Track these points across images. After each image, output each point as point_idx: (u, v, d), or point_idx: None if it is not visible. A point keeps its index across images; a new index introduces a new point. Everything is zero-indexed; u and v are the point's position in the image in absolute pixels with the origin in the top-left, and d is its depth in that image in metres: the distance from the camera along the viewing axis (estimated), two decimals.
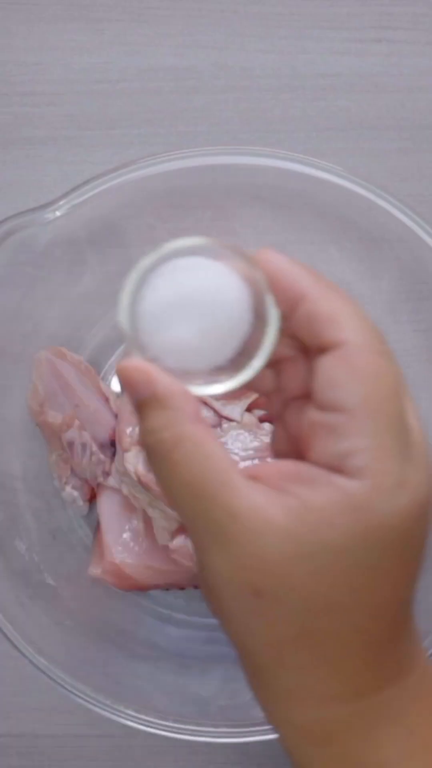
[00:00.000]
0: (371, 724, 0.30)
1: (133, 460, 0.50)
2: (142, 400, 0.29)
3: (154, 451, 0.29)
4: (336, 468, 0.28)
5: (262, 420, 0.52)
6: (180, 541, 0.51)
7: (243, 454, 0.50)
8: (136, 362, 0.29)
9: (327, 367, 0.29)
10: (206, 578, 0.29)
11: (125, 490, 0.52)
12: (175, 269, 0.29)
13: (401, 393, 0.30)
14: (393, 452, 0.28)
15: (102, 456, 0.53)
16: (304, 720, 0.31)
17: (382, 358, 0.30)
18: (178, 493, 0.28)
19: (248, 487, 0.28)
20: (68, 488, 0.54)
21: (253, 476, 0.29)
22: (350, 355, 0.29)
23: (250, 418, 0.51)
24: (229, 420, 0.51)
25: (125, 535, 0.53)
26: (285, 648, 0.29)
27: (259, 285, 0.29)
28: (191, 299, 0.28)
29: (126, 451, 0.51)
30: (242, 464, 0.50)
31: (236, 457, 0.50)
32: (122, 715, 0.48)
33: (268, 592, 0.28)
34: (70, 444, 0.53)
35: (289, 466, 0.29)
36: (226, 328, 0.29)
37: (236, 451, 0.50)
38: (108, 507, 0.54)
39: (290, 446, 0.33)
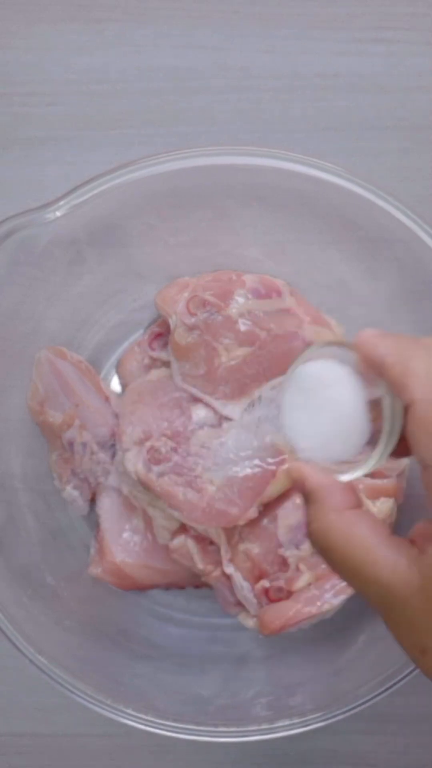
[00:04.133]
0: None
1: (133, 460, 0.50)
2: (302, 496, 0.34)
3: (311, 539, 0.34)
4: None
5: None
6: (180, 541, 0.51)
7: (243, 454, 0.50)
8: (294, 464, 0.35)
9: (407, 428, 0.32)
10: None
11: (125, 490, 0.53)
12: (306, 383, 0.34)
13: None
14: None
15: (102, 456, 0.53)
16: None
17: None
18: (339, 573, 0.33)
19: (391, 558, 0.32)
20: (68, 488, 0.55)
21: (411, 538, 0.32)
22: (418, 413, 0.31)
23: (250, 418, 0.51)
24: (229, 420, 0.51)
25: (125, 535, 0.53)
26: None
27: (374, 381, 0.33)
28: (323, 405, 0.34)
29: (126, 451, 0.51)
30: (243, 463, 0.50)
31: (236, 457, 0.50)
32: (122, 714, 0.48)
33: (429, 648, 0.31)
34: (70, 443, 0.53)
35: (429, 525, 0.33)
36: (355, 425, 0.34)
37: (236, 451, 0.50)
38: (108, 507, 0.54)
39: None
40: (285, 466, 0.49)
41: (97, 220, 0.51)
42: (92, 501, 0.55)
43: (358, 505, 0.34)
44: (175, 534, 0.52)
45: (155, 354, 0.55)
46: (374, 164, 0.59)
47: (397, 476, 0.52)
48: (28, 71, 0.59)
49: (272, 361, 0.51)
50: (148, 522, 0.52)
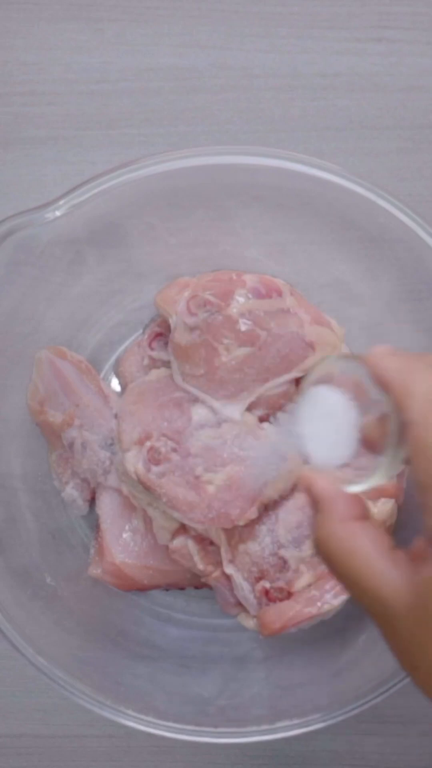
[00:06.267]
0: None
1: (133, 460, 0.50)
2: (311, 503, 0.35)
3: (315, 546, 0.35)
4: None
5: (261, 420, 0.52)
6: (180, 542, 0.51)
7: (241, 454, 0.50)
8: (305, 471, 0.36)
9: (407, 447, 0.32)
10: None
11: (125, 490, 0.52)
12: (316, 397, 0.37)
13: None
14: None
15: (102, 456, 0.53)
16: None
17: None
18: (340, 581, 0.34)
19: (388, 573, 0.32)
20: (68, 488, 0.54)
21: (411, 551, 0.33)
22: (414, 434, 0.32)
23: (250, 418, 0.51)
24: (230, 420, 0.51)
25: (125, 535, 0.53)
26: None
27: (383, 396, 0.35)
28: (325, 420, 0.36)
29: (126, 451, 0.51)
30: (243, 464, 0.50)
31: (236, 457, 0.50)
32: (122, 715, 0.48)
33: (420, 665, 0.32)
34: (70, 443, 0.53)
35: (424, 543, 0.33)
36: (348, 433, 0.36)
37: (236, 450, 0.50)
38: (108, 507, 0.54)
39: None
40: (287, 467, 0.49)
41: (97, 220, 0.51)
42: (92, 501, 0.55)
43: (364, 516, 0.34)
44: (175, 534, 0.51)
45: (155, 354, 0.55)
46: (374, 164, 0.59)
47: (397, 477, 0.52)
48: (28, 71, 0.59)
49: (272, 361, 0.51)
50: (148, 522, 0.52)
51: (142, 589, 0.53)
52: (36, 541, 0.54)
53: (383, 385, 0.33)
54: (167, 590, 0.55)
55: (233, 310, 0.51)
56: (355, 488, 0.35)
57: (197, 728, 0.48)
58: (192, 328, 0.51)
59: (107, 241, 0.53)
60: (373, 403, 0.35)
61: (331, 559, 0.34)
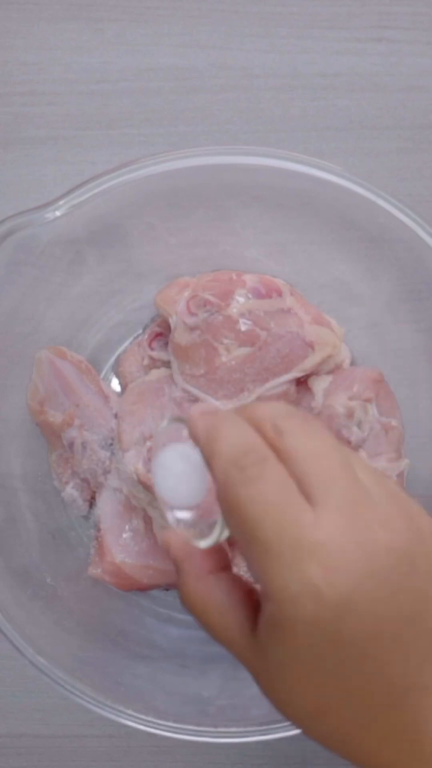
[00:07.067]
0: None
1: (133, 460, 0.50)
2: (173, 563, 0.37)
3: (180, 601, 0.36)
4: None
5: None
6: None
7: None
8: (163, 534, 0.38)
9: None
10: None
11: (125, 490, 0.52)
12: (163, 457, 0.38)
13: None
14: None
15: (102, 455, 0.53)
16: None
17: (242, 488, 0.31)
18: (204, 630, 0.35)
19: (238, 625, 0.33)
20: (68, 488, 0.54)
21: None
22: (219, 495, 0.32)
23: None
24: None
25: (125, 535, 0.53)
26: None
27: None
28: (173, 471, 0.37)
29: (126, 451, 0.51)
30: None
31: None
32: (122, 715, 0.48)
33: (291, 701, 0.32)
34: (70, 443, 0.53)
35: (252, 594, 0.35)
36: (196, 479, 0.37)
37: None
38: (108, 507, 0.54)
39: None
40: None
41: (97, 220, 0.51)
42: (92, 501, 0.55)
43: (221, 567, 0.35)
44: None
45: (155, 354, 0.55)
46: (374, 164, 0.59)
47: (396, 476, 0.52)
48: (28, 71, 0.59)
49: (272, 361, 0.51)
50: (148, 522, 0.52)
51: (142, 589, 0.53)
52: (36, 541, 0.54)
53: (198, 446, 0.34)
54: (167, 590, 0.55)
55: (233, 310, 0.51)
56: (203, 543, 0.35)
57: (197, 728, 0.48)
58: (192, 328, 0.51)
59: (107, 241, 0.53)
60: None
61: (192, 613, 0.35)
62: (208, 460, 0.32)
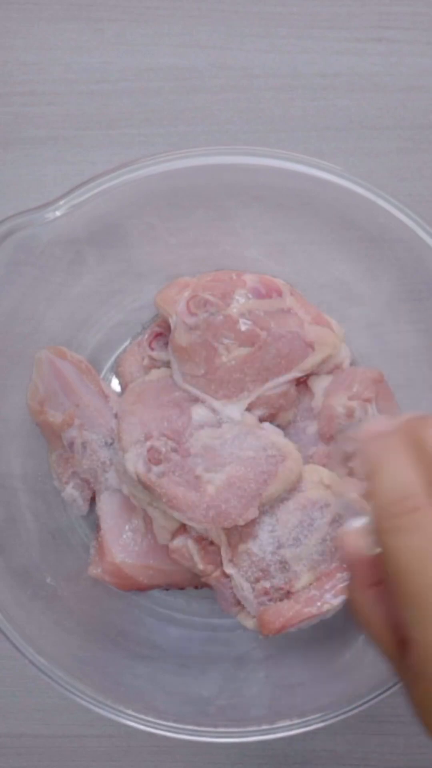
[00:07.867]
0: None
1: (133, 460, 0.50)
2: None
3: (347, 600, 0.39)
4: None
5: (262, 420, 0.52)
6: (180, 541, 0.51)
7: (241, 454, 0.50)
8: (343, 532, 0.39)
9: None
10: None
11: (125, 490, 0.52)
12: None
13: None
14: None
15: (102, 455, 0.53)
16: None
17: (391, 536, 0.33)
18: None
19: (395, 642, 0.35)
20: (68, 488, 0.54)
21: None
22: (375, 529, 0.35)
23: (250, 418, 0.51)
24: (229, 420, 0.51)
25: (125, 535, 0.53)
26: None
27: None
28: None
29: (126, 451, 0.51)
30: (243, 463, 0.50)
31: (236, 457, 0.50)
32: (122, 715, 0.48)
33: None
34: (70, 443, 0.53)
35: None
36: None
37: (236, 450, 0.50)
38: (108, 507, 0.54)
39: None
40: (286, 465, 0.49)
41: (97, 220, 0.51)
42: (92, 501, 0.55)
43: (379, 581, 0.36)
44: (175, 534, 0.51)
45: (155, 354, 0.55)
46: (374, 164, 0.59)
47: None
48: (28, 71, 0.59)
49: (272, 361, 0.51)
50: (148, 522, 0.52)
51: (142, 589, 0.53)
52: (36, 541, 0.54)
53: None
54: (167, 590, 0.55)
55: (233, 310, 0.51)
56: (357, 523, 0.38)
57: (197, 728, 0.48)
58: (192, 328, 0.51)
59: (107, 241, 0.53)
60: None
61: (356, 619, 0.37)
62: (367, 496, 0.33)
